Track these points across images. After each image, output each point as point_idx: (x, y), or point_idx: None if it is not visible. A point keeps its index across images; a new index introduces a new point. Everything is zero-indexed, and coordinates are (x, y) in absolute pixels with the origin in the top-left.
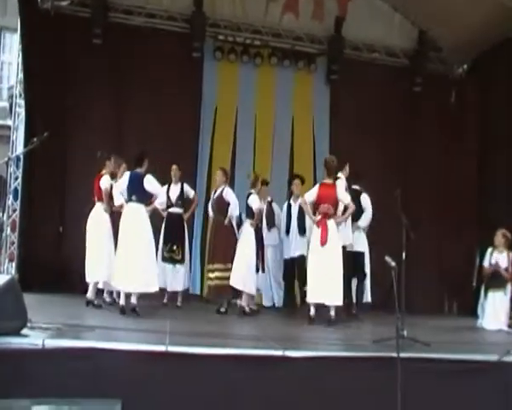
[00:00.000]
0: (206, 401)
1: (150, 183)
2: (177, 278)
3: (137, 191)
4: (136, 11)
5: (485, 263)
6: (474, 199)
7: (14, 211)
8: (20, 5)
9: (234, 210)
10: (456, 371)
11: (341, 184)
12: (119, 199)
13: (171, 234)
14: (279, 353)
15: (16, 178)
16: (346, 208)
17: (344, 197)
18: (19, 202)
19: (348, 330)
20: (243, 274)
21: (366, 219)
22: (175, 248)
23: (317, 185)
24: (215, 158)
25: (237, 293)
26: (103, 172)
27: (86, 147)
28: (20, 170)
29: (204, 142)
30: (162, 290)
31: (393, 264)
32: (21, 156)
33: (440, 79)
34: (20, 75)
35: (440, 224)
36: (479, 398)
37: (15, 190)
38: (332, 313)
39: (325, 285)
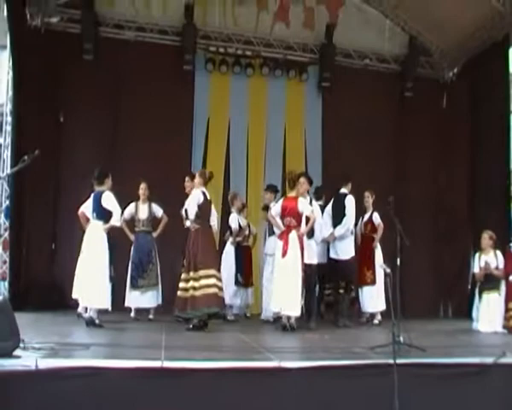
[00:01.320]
0: None
1: (107, 200)
2: (150, 297)
3: (97, 209)
4: (126, 25)
5: (475, 269)
6: (468, 203)
7: (6, 230)
8: (10, 22)
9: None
10: (453, 375)
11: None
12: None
13: (143, 257)
14: (275, 364)
15: (8, 197)
16: (307, 220)
17: (305, 209)
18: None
19: (345, 337)
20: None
21: (343, 226)
22: (149, 272)
23: (282, 199)
24: (208, 169)
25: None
26: (103, 188)
27: (78, 163)
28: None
29: (197, 154)
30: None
31: (388, 270)
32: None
33: (431, 84)
34: (10, 93)
35: (434, 228)
36: (475, 401)
37: (7, 208)
38: (291, 321)
39: (284, 295)
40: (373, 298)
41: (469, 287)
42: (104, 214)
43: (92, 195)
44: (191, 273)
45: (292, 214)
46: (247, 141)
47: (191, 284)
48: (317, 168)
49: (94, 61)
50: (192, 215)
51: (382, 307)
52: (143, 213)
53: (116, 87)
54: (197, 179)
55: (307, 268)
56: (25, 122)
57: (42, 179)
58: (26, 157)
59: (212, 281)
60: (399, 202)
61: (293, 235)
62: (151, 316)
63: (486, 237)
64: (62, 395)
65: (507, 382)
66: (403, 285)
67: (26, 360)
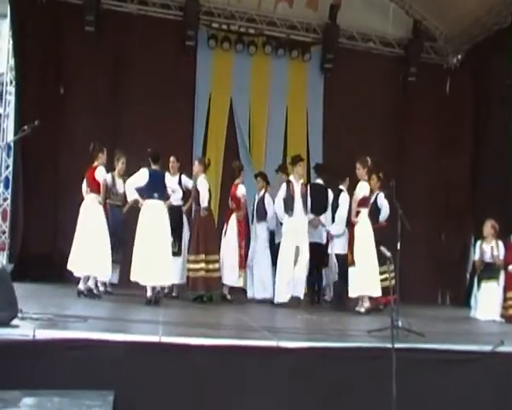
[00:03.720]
0: (199, 392)
1: (170, 180)
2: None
3: (159, 189)
4: None
5: (476, 256)
6: (469, 191)
7: (5, 200)
8: None
9: (203, 201)
10: (451, 362)
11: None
12: (132, 194)
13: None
14: (273, 343)
15: (7, 167)
16: None
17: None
18: (10, 190)
19: (343, 320)
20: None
21: (336, 224)
22: (172, 240)
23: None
24: (209, 147)
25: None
26: (96, 163)
27: (79, 135)
28: (11, 158)
29: (198, 130)
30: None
31: (389, 254)
32: (12, 144)
33: (435, 69)
34: (11, 62)
35: (435, 215)
36: (473, 388)
37: (6, 178)
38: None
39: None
40: (352, 281)
41: (468, 275)
42: (166, 194)
43: (147, 173)
44: (202, 256)
45: (232, 199)
46: (249, 119)
47: (202, 265)
48: (318, 149)
49: (95, 34)
50: (205, 202)
51: (362, 291)
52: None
53: (117, 61)
54: (197, 167)
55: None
56: (25, 92)
57: (42, 150)
58: (25, 127)
59: (218, 266)
60: (400, 186)
61: (232, 217)
62: (174, 294)
63: (489, 226)
64: (59, 366)
65: (504, 370)
66: (401, 271)
67: (24, 329)
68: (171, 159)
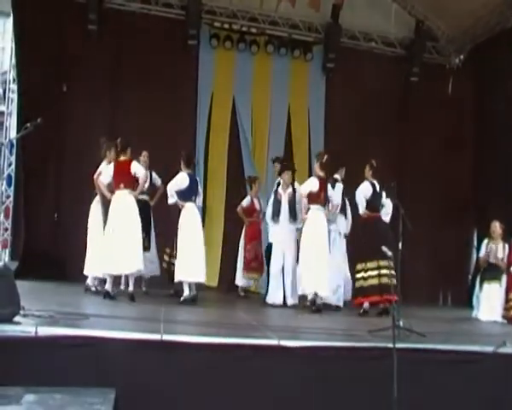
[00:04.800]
0: (200, 390)
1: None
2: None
3: (196, 193)
4: None
5: (481, 253)
6: (471, 191)
7: (8, 197)
8: None
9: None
10: (452, 362)
11: None
12: (173, 197)
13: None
14: (274, 342)
15: (10, 164)
16: None
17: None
18: (12, 188)
19: (344, 319)
20: None
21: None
22: (143, 235)
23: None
24: (212, 146)
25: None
26: (126, 158)
27: (81, 132)
28: (14, 156)
29: (201, 129)
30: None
31: (390, 253)
32: (15, 142)
33: (437, 69)
34: (14, 60)
35: (436, 215)
36: (474, 389)
37: (9, 176)
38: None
39: None
40: (298, 279)
41: (470, 276)
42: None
43: (187, 177)
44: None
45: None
46: (252, 118)
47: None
48: (320, 148)
49: (98, 32)
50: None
51: (305, 290)
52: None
53: (119, 59)
54: (181, 163)
55: None
56: (28, 90)
57: (45, 148)
58: (28, 125)
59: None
60: (401, 186)
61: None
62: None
63: (497, 226)
64: (60, 363)
65: (506, 372)
66: (403, 271)
67: (26, 326)
68: (144, 153)
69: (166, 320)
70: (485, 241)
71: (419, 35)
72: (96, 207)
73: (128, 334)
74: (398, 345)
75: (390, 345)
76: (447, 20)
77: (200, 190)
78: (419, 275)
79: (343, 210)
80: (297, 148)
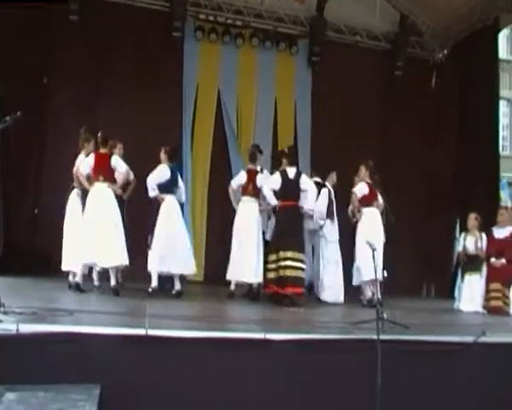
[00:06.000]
0: (185, 384)
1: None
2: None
3: (177, 185)
4: None
5: (460, 248)
6: (453, 182)
7: None
8: None
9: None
10: (435, 353)
11: None
12: (154, 190)
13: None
14: (260, 336)
15: None
16: None
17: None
18: None
19: (329, 312)
20: None
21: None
22: None
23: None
24: (197, 138)
25: None
26: (106, 150)
27: (62, 126)
28: None
29: (187, 121)
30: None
31: (375, 247)
32: None
33: (421, 64)
34: None
35: (420, 207)
36: (456, 378)
37: None
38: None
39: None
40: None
41: (453, 268)
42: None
43: (169, 169)
44: None
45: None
46: (237, 110)
47: None
48: (307, 141)
49: (80, 23)
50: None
51: (231, 276)
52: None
53: (102, 51)
54: (162, 156)
55: None
56: (8, 82)
57: (25, 142)
58: (7, 118)
59: None
60: (386, 179)
61: None
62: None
63: (472, 218)
64: (44, 361)
65: (486, 360)
66: (386, 263)
67: (7, 324)
68: (119, 145)
69: (151, 315)
70: (463, 234)
71: (403, 29)
72: (73, 200)
73: (113, 329)
74: (382, 337)
75: (374, 337)
76: (431, 15)
77: (183, 184)
78: (403, 267)
79: (331, 215)
80: (283, 140)
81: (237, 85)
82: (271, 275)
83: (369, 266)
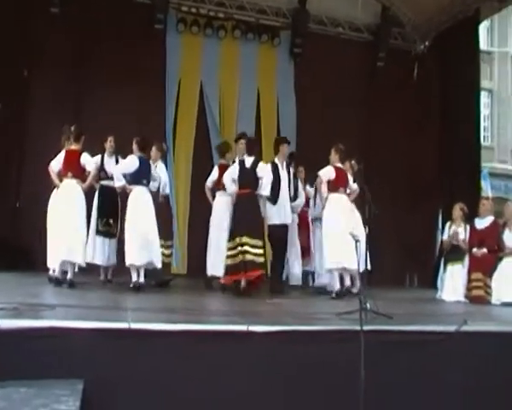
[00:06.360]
0: (168, 378)
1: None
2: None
3: (148, 177)
4: None
5: (445, 236)
6: (436, 173)
7: None
8: None
9: (164, 187)
10: (418, 342)
11: None
12: (120, 180)
13: (108, 208)
14: (243, 328)
15: None
16: None
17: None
18: None
19: (312, 303)
20: None
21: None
22: (111, 222)
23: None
24: (179, 130)
25: None
26: (77, 147)
27: (44, 119)
28: None
29: (169, 113)
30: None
31: (358, 238)
32: None
33: (403, 55)
34: None
35: (402, 198)
36: (439, 368)
37: None
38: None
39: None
40: None
41: (435, 258)
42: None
43: (137, 160)
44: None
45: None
46: (220, 102)
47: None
48: (291, 133)
49: (61, 15)
50: (166, 189)
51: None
52: (110, 165)
53: (84, 43)
54: (154, 153)
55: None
56: None
57: (4, 134)
58: None
59: (170, 251)
60: (368, 170)
61: None
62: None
63: (457, 209)
64: (26, 356)
65: (468, 349)
66: (369, 254)
67: None
68: (110, 138)
69: (133, 309)
70: (448, 223)
71: (385, 21)
72: (55, 196)
73: (95, 323)
74: (366, 327)
75: (357, 328)
76: (412, 6)
77: (166, 177)
78: (385, 257)
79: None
80: (266, 131)
81: (220, 77)
82: (229, 262)
83: (334, 254)
